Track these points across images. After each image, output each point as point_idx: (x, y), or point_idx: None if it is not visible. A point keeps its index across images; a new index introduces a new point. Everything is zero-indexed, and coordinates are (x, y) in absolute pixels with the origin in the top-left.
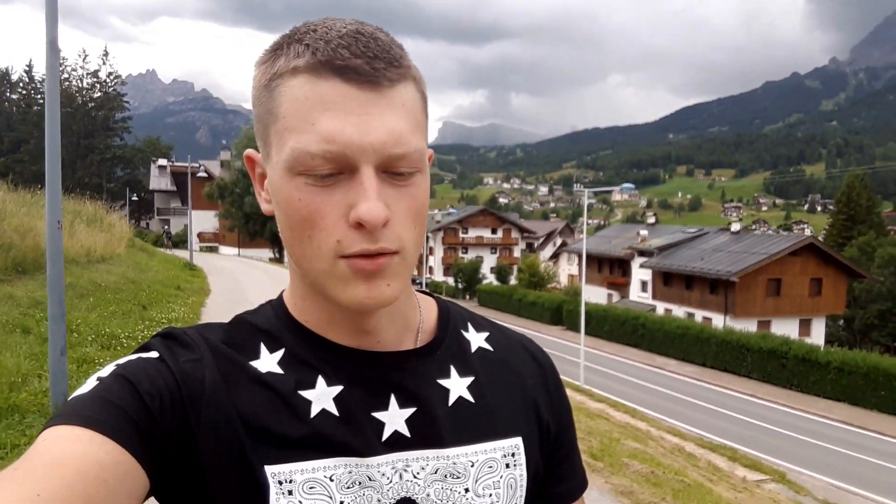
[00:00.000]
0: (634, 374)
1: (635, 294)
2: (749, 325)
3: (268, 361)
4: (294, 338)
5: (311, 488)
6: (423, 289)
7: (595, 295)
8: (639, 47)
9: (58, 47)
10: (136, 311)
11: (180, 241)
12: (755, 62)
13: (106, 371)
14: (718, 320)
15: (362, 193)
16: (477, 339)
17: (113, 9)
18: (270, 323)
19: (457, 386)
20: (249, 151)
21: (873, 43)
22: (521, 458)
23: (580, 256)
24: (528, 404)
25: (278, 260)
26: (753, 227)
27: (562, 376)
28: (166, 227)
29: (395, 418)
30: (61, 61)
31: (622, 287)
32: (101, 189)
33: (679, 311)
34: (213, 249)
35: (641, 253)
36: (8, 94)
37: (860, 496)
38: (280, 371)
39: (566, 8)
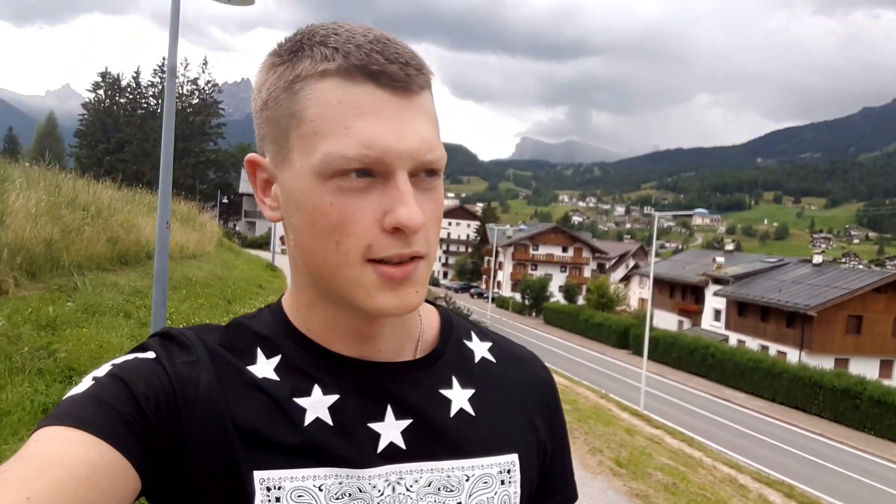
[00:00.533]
0: (700, 404)
1: (707, 322)
2: (826, 363)
3: (264, 367)
4: (292, 345)
5: (299, 496)
6: (432, 302)
7: (665, 321)
8: (728, 67)
9: (175, 73)
10: (221, 305)
11: (264, 243)
12: (853, 86)
13: (102, 371)
14: (794, 355)
15: (399, 198)
16: (480, 349)
17: (213, 19)
18: (269, 329)
19: (458, 397)
20: (253, 156)
21: None
22: (517, 475)
23: (650, 280)
24: (527, 421)
25: None
26: (843, 259)
27: (622, 400)
28: (236, 228)
29: (390, 430)
30: (164, 67)
31: (694, 314)
32: (194, 190)
33: (753, 344)
34: None
35: (716, 280)
36: (117, 98)
37: None
38: (276, 378)
39: (654, 26)
